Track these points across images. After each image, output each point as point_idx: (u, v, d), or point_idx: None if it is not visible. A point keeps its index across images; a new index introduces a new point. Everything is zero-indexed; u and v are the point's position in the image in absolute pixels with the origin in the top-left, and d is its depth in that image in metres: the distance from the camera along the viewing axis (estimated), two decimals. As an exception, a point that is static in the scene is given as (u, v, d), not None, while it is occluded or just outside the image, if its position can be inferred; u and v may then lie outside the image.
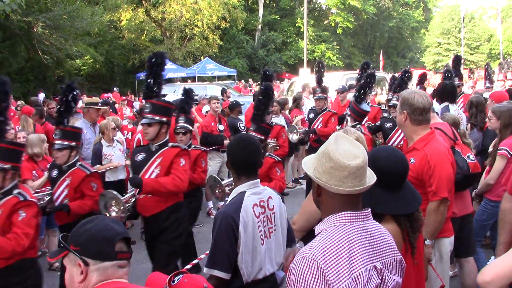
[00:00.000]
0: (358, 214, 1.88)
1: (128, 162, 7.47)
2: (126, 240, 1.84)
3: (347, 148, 1.88)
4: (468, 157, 4.06)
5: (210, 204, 8.18)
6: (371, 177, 1.94)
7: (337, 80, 13.74)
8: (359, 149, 1.89)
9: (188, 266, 3.80)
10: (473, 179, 4.20)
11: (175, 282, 1.80)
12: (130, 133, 8.37)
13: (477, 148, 5.71)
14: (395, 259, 1.96)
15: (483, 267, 4.59)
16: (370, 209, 1.96)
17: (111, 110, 11.29)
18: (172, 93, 14.08)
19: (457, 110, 6.48)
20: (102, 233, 1.78)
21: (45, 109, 9.83)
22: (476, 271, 4.30)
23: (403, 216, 2.30)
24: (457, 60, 9.15)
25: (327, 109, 8.19)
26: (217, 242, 2.68)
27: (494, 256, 4.91)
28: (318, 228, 1.92)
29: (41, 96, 19.75)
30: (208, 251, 2.79)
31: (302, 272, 1.74)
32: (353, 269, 1.76)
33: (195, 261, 4.09)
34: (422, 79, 8.84)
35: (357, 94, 6.57)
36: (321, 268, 1.72)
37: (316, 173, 1.90)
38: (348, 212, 1.86)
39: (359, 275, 1.77)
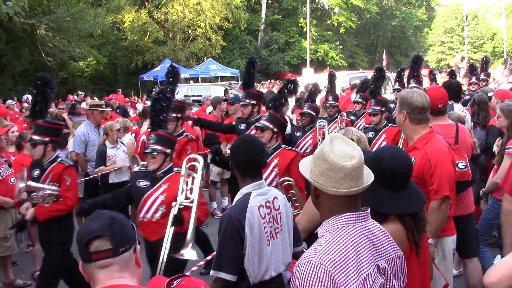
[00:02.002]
0: (359, 215, 1.89)
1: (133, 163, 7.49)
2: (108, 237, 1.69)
3: (342, 149, 1.87)
4: (457, 164, 3.89)
5: (215, 204, 8.18)
6: (369, 177, 1.94)
7: (341, 79, 13.72)
8: (354, 150, 1.89)
9: (194, 268, 3.79)
10: (460, 187, 4.08)
11: (174, 284, 1.80)
12: (133, 135, 8.39)
13: (481, 146, 5.70)
14: (397, 255, 1.96)
15: (488, 266, 4.57)
16: (369, 209, 1.96)
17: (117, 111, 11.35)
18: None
19: (461, 109, 6.46)
20: (78, 234, 1.72)
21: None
22: (480, 271, 4.28)
23: (407, 215, 2.30)
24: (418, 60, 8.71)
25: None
26: (223, 245, 2.66)
27: (500, 255, 4.89)
28: (321, 231, 1.91)
29: (25, 97, 19.73)
30: (213, 253, 2.78)
31: (307, 276, 1.72)
32: (361, 271, 1.76)
33: (201, 263, 4.06)
34: (363, 85, 8.12)
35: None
36: (329, 271, 1.70)
37: (313, 176, 1.90)
38: (350, 213, 1.86)
39: (367, 276, 1.77)
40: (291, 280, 1.82)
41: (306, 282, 1.71)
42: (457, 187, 3.93)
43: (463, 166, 3.92)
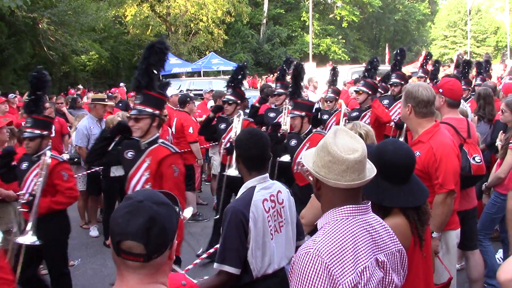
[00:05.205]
0: (359, 208, 1.89)
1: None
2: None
3: (346, 142, 1.87)
4: (474, 158, 3.92)
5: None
6: (371, 170, 1.94)
7: (343, 73, 13.71)
8: (358, 143, 1.89)
9: (198, 261, 3.79)
10: (474, 181, 4.08)
11: None
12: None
13: (486, 141, 5.67)
14: (397, 250, 1.96)
15: (490, 260, 4.58)
16: (370, 202, 1.96)
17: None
18: (175, 89, 14.04)
19: (462, 102, 6.42)
20: (111, 223, 1.53)
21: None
22: (482, 264, 4.29)
23: (411, 209, 2.30)
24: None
25: None
26: (227, 238, 2.65)
27: (503, 250, 4.89)
28: (320, 223, 1.92)
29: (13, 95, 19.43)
30: (216, 246, 2.76)
31: (305, 268, 1.73)
32: (358, 264, 1.76)
33: (203, 256, 4.06)
34: (297, 73, 7.65)
35: None
36: (325, 263, 1.71)
37: (315, 167, 1.90)
38: (350, 206, 1.86)
39: (364, 269, 1.77)
40: (290, 270, 1.83)
41: (303, 273, 1.72)
42: (471, 181, 3.94)
43: (479, 160, 3.90)
